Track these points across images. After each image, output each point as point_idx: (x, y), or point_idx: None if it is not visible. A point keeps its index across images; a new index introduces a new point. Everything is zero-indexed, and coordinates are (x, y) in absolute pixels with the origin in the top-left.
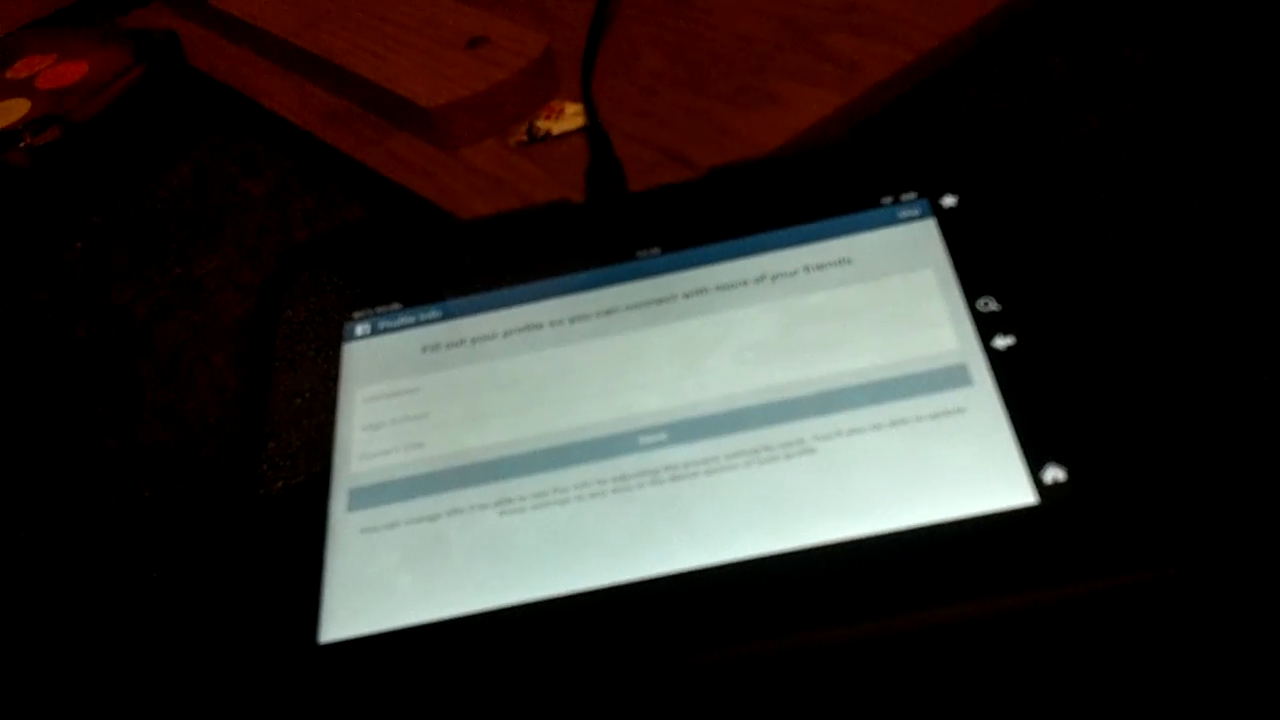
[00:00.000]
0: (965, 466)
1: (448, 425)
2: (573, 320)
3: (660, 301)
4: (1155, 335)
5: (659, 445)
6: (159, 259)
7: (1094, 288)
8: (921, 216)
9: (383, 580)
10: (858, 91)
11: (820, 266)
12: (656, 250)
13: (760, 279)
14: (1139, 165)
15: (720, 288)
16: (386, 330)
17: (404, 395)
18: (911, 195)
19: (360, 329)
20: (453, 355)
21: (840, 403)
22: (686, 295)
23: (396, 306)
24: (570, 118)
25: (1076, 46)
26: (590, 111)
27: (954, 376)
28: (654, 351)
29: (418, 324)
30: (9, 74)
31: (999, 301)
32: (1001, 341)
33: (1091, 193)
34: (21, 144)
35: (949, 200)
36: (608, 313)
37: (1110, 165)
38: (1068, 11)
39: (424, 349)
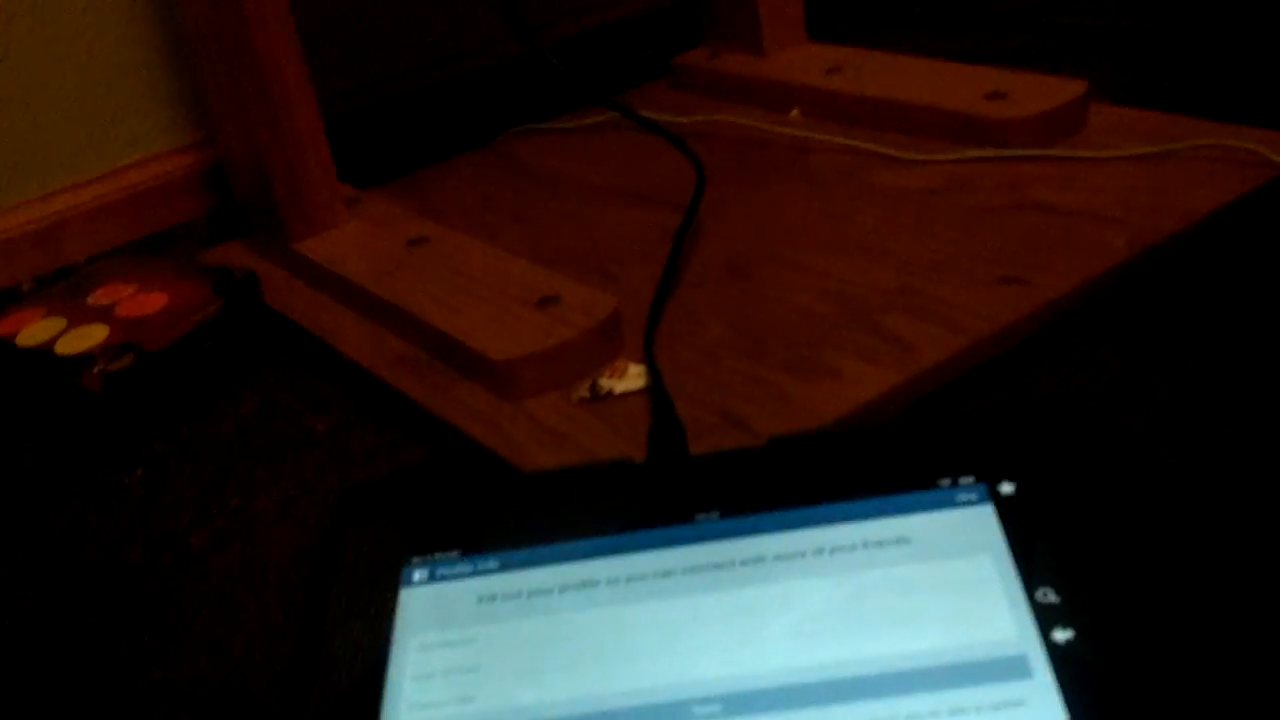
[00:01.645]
0: None
1: (500, 680)
2: (630, 580)
3: (718, 567)
4: (1218, 635)
5: (714, 718)
6: (218, 489)
7: (1155, 582)
8: (979, 501)
9: None
10: (914, 371)
11: (879, 544)
12: (715, 514)
13: (819, 551)
14: (1191, 464)
15: (779, 557)
16: (444, 578)
17: (458, 646)
18: (969, 479)
19: (418, 574)
20: (508, 608)
21: (900, 686)
22: (744, 563)
23: (455, 554)
24: (633, 378)
25: (1128, 344)
26: (654, 373)
27: (1013, 667)
28: (711, 617)
29: (475, 573)
30: (91, 300)
31: (1058, 593)
32: (1061, 635)
33: (1150, 486)
34: (95, 369)
35: (1007, 487)
36: (665, 574)
37: (1163, 463)
38: (1118, 311)
39: (480, 599)
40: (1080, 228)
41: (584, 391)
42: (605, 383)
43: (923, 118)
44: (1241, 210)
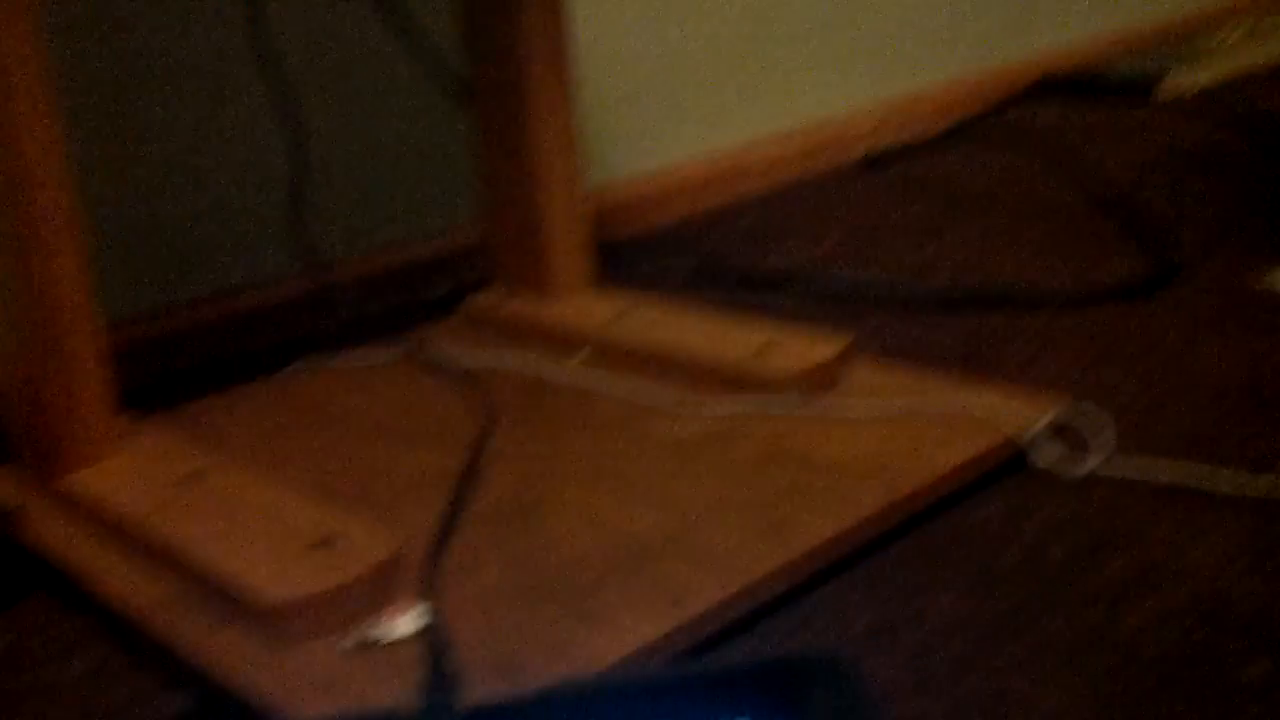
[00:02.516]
0: None
1: None
2: None
3: None
4: None
5: None
6: None
7: None
8: None
9: None
10: (686, 617)
11: None
12: None
13: None
14: (948, 707)
15: None
16: None
17: None
18: None
19: None
20: None
21: None
22: None
23: None
24: (410, 621)
25: (879, 598)
26: (431, 617)
27: None
28: None
29: None
30: None
31: None
32: None
33: None
34: None
35: None
36: None
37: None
38: (871, 560)
39: None
40: (838, 479)
41: (358, 636)
42: (381, 627)
43: (698, 368)
44: (978, 467)
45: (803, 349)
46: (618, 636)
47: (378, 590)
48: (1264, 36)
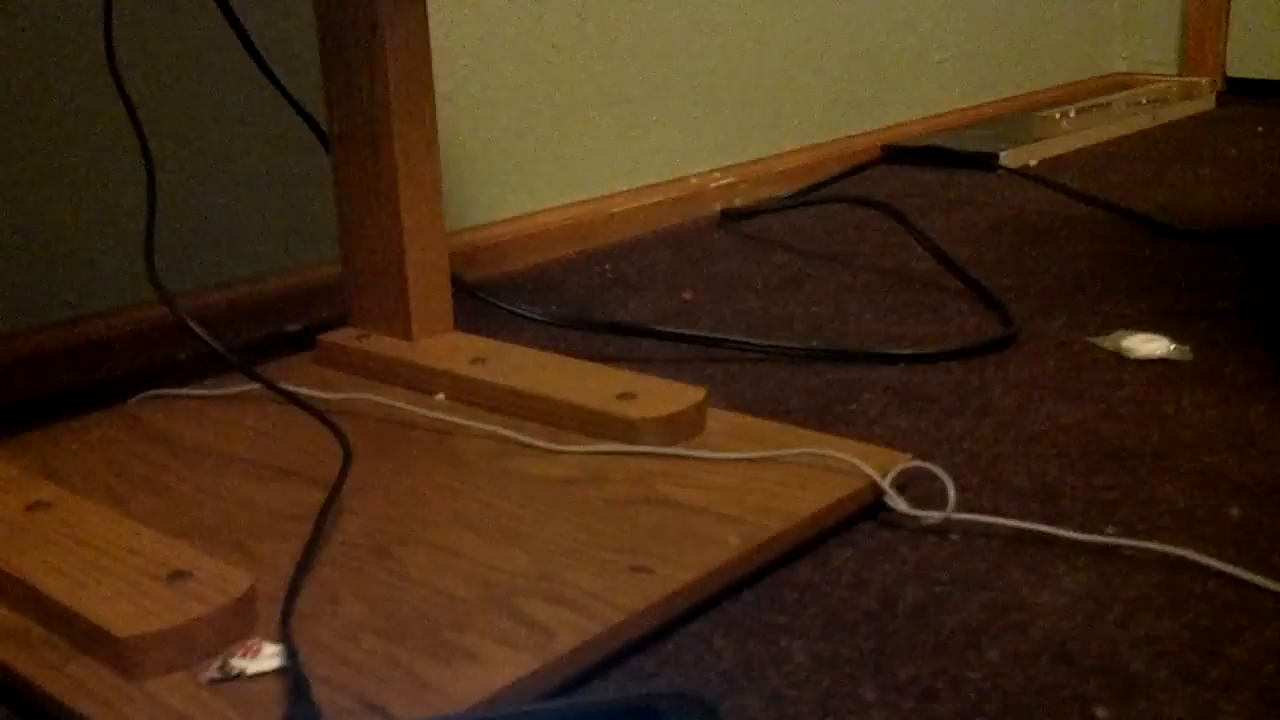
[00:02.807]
0: None
1: None
2: None
3: None
4: None
5: None
6: None
7: None
8: None
9: None
10: (549, 656)
11: None
12: None
13: None
14: None
15: None
16: None
17: None
18: None
19: None
20: None
21: None
22: None
23: None
24: (267, 658)
25: (741, 639)
26: (289, 654)
27: None
28: None
29: None
30: None
31: None
32: None
33: None
34: None
35: None
36: None
37: None
38: (733, 601)
39: None
40: (699, 522)
41: (214, 671)
42: (237, 663)
43: (560, 411)
44: (836, 513)
45: (664, 396)
46: (481, 675)
47: (234, 626)
48: (1097, 115)
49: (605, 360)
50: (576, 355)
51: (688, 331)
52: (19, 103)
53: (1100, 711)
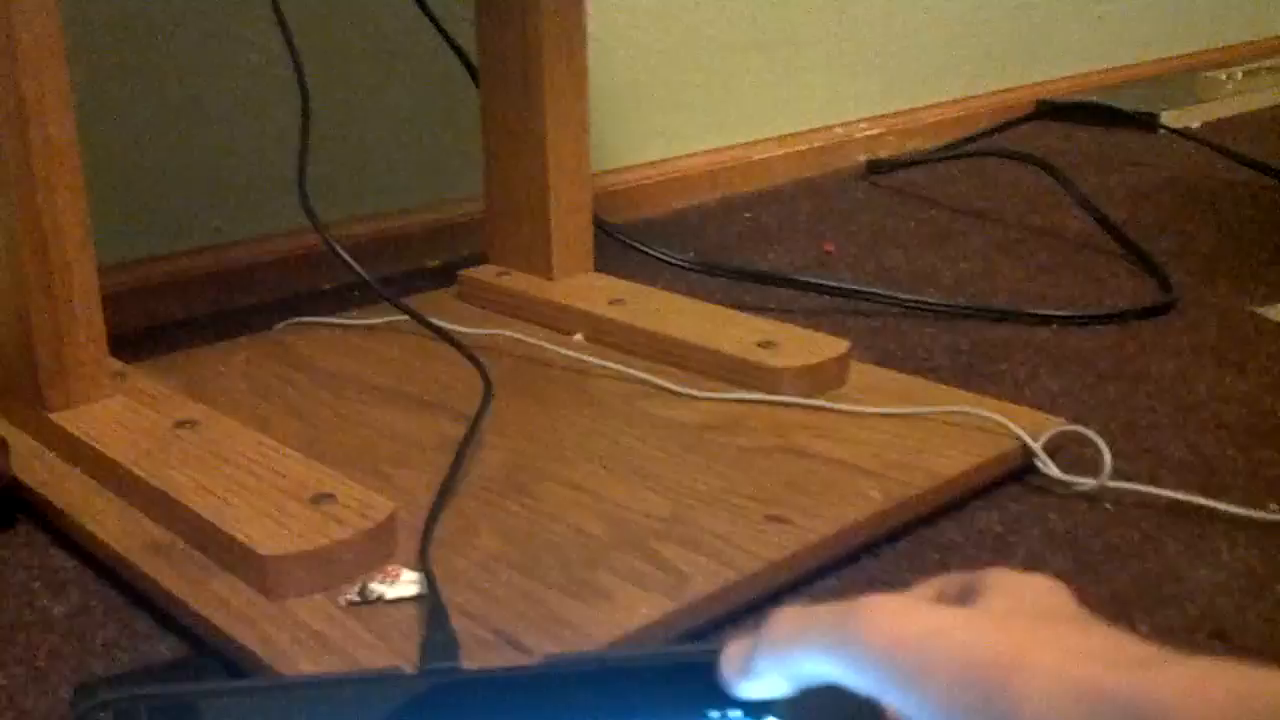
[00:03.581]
0: None
1: None
2: None
3: None
4: None
5: None
6: None
7: None
8: None
9: None
10: (685, 600)
11: None
12: None
13: None
14: None
15: None
16: None
17: None
18: (738, 713)
19: None
20: None
21: None
22: None
23: None
24: (405, 584)
25: (879, 590)
26: (429, 581)
27: None
28: None
29: None
30: None
31: None
32: None
33: None
34: None
35: None
36: None
37: None
38: (872, 557)
39: None
40: (839, 476)
41: (353, 595)
42: (376, 587)
43: (698, 356)
44: (983, 474)
45: (806, 346)
46: (615, 615)
47: (375, 551)
48: (1265, 78)
49: (744, 309)
50: (714, 302)
51: (830, 282)
52: (171, 31)
53: None
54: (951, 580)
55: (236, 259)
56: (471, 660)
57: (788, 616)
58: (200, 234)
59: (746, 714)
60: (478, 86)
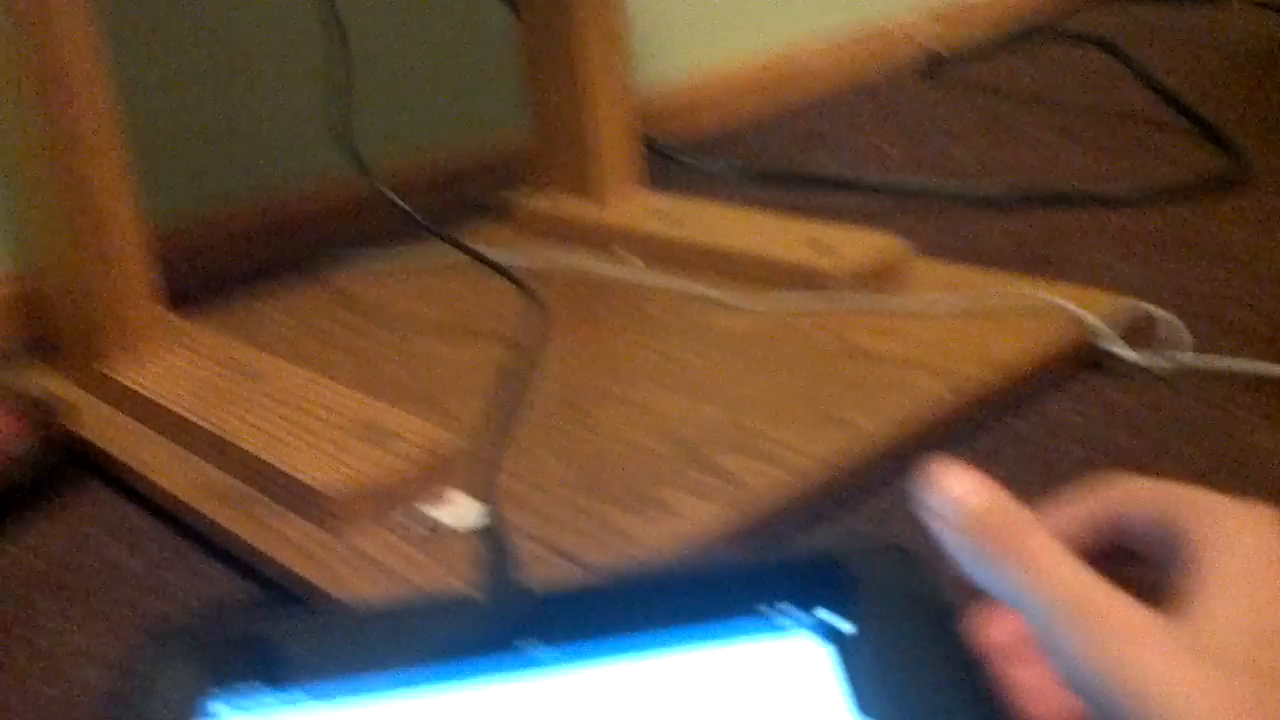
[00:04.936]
0: None
1: None
2: (450, 714)
3: (544, 698)
4: None
5: None
6: (19, 628)
7: None
8: (809, 633)
9: None
10: (745, 507)
11: (708, 672)
12: (541, 645)
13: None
14: None
15: (608, 690)
16: (247, 710)
17: None
18: (800, 614)
19: (218, 708)
20: None
21: None
22: (571, 693)
23: (260, 686)
24: (467, 511)
25: None
26: (491, 505)
27: None
28: None
29: (279, 707)
30: None
31: None
32: None
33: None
34: None
35: (836, 621)
36: (483, 708)
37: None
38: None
39: None
40: (902, 374)
41: (415, 524)
42: (436, 514)
43: (754, 265)
44: (1050, 362)
45: (860, 245)
46: (673, 524)
47: (435, 480)
48: None
49: (798, 215)
50: (768, 211)
51: (887, 181)
52: None
53: None
54: (1110, 499)
55: (284, 205)
56: (529, 579)
57: (1005, 528)
58: (247, 183)
59: (809, 613)
60: (515, 13)
